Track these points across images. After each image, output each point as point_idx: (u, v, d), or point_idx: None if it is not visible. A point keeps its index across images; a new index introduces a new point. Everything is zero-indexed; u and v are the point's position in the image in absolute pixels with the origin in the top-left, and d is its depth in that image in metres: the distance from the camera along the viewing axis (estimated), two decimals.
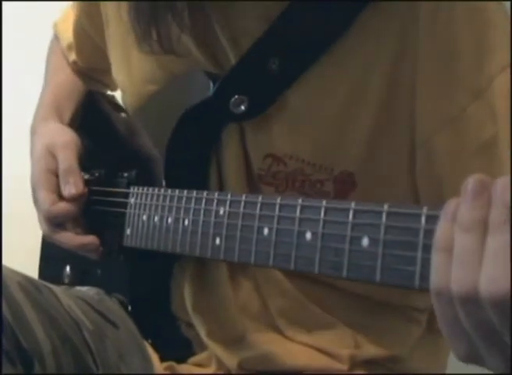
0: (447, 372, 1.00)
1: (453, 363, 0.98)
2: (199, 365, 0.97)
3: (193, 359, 0.97)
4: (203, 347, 0.97)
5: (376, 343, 0.93)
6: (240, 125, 0.88)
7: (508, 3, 0.88)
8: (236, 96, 0.85)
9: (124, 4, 0.93)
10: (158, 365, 0.95)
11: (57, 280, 1.10)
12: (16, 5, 1.87)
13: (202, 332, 0.94)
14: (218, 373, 0.96)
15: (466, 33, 0.78)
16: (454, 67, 0.78)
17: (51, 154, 0.99)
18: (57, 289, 0.90)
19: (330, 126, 0.84)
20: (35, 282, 0.87)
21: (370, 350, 0.93)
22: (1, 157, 1.83)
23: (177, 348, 0.98)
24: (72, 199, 0.96)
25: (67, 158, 0.98)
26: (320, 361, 0.93)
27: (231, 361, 0.93)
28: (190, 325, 0.97)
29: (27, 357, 0.77)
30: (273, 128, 0.86)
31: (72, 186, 0.96)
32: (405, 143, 0.82)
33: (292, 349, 0.93)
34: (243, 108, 0.85)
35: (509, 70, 0.78)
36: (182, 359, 0.97)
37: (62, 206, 0.97)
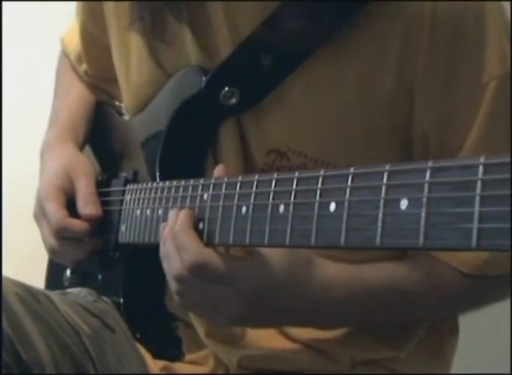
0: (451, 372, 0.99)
1: (455, 364, 0.97)
2: (195, 363, 0.95)
3: (189, 357, 0.96)
4: (200, 346, 0.95)
5: (376, 343, 0.92)
6: (239, 121, 0.88)
7: (508, 3, 0.89)
8: (227, 88, 0.85)
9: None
10: (152, 365, 0.93)
11: (59, 283, 1.10)
12: (16, 5, 1.89)
13: (201, 332, 0.93)
14: (219, 373, 0.94)
15: (470, 39, 0.80)
16: (455, 67, 0.80)
17: (69, 177, 1.01)
18: (54, 296, 0.90)
19: (331, 122, 0.84)
20: (33, 291, 0.86)
21: (370, 350, 0.92)
22: (1, 157, 1.85)
23: (170, 347, 0.96)
24: (88, 219, 0.97)
25: (88, 185, 1.00)
26: (320, 361, 0.91)
27: (231, 359, 0.91)
28: (188, 324, 0.96)
29: (27, 369, 0.77)
30: (275, 123, 0.86)
31: (93, 207, 0.98)
32: (404, 138, 0.84)
33: (292, 349, 0.91)
34: (234, 100, 0.85)
35: (501, 77, 0.80)
36: (174, 358, 0.95)
37: (76, 222, 0.97)
